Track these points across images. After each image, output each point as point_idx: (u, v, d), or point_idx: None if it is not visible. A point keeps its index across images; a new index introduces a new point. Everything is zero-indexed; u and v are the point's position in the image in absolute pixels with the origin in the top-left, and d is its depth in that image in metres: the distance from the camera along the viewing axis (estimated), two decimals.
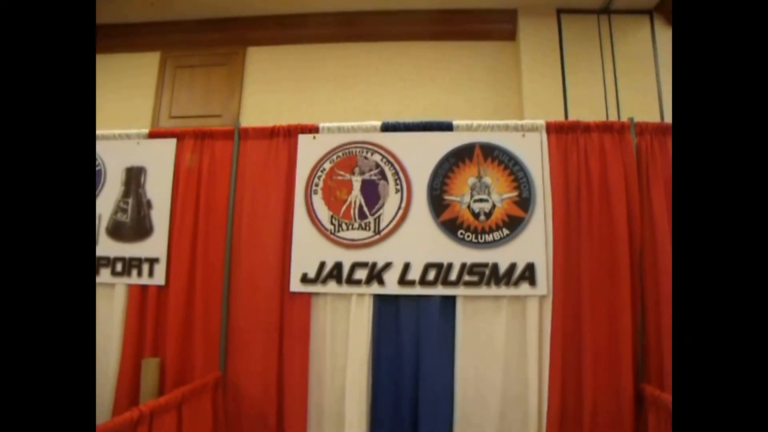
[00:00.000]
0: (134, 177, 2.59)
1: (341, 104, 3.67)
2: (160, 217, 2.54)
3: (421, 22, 3.73)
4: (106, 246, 2.55)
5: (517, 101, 3.59)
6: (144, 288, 2.49)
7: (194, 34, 4.01)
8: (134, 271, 2.50)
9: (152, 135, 2.65)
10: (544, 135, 2.41)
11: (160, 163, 2.58)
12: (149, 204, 2.55)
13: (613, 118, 3.33)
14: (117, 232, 2.56)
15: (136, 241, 2.54)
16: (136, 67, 4.06)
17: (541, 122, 2.42)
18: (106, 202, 2.59)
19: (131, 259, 2.52)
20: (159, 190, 2.56)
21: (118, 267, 2.52)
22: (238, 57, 3.94)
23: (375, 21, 3.78)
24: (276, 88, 3.80)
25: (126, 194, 2.58)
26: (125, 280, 2.50)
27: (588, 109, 3.35)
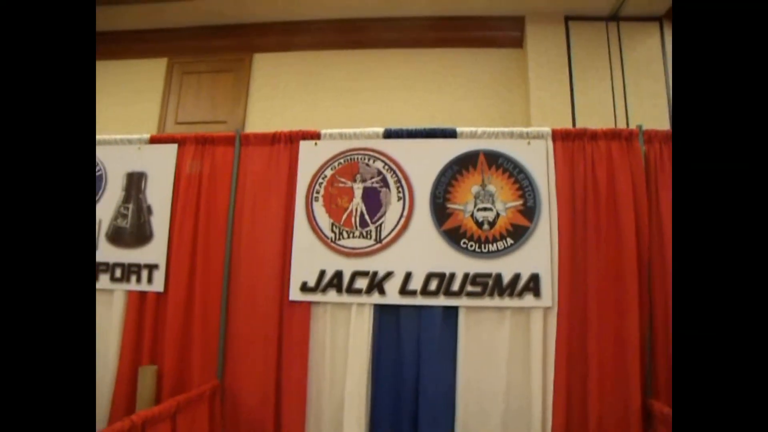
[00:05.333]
0: (135, 182, 2.57)
1: (346, 111, 3.64)
2: (160, 223, 2.51)
3: (426, 29, 3.71)
4: (105, 252, 2.53)
5: (524, 109, 3.54)
6: (143, 294, 2.46)
7: (201, 40, 4.01)
8: (133, 278, 2.48)
9: (153, 140, 2.63)
10: (550, 142, 2.36)
11: (160, 168, 2.56)
12: (149, 210, 2.53)
13: (621, 125, 3.28)
14: (117, 237, 2.54)
15: (135, 247, 2.51)
16: (143, 73, 4.07)
17: (547, 129, 2.37)
18: (107, 207, 2.57)
19: (130, 265, 2.49)
20: (159, 196, 2.54)
21: (117, 273, 2.50)
22: (245, 63, 3.94)
23: (380, 28, 3.76)
24: (282, 95, 3.79)
25: (126, 200, 2.56)
26: (124, 286, 2.48)
27: (596, 117, 3.30)
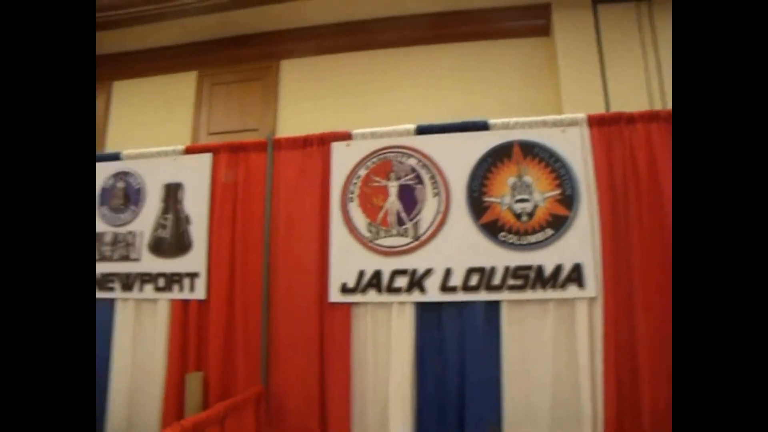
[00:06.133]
0: (172, 193, 2.62)
1: (375, 111, 3.63)
2: (198, 231, 2.55)
3: (452, 24, 3.68)
4: (148, 262, 2.59)
5: (554, 98, 3.48)
6: (186, 302, 2.50)
7: (228, 51, 4.08)
8: (176, 286, 2.52)
9: (188, 151, 2.67)
10: (586, 129, 2.29)
11: (196, 178, 2.60)
12: (187, 219, 2.57)
13: (658, 108, 3.18)
14: (158, 248, 2.59)
15: (176, 257, 2.55)
16: (174, 88, 4.17)
17: (582, 116, 2.31)
18: (147, 219, 2.63)
19: (172, 275, 2.54)
20: (196, 205, 2.57)
21: (161, 282, 2.54)
22: (272, 71, 3.98)
23: (404, 26, 3.75)
24: (311, 98, 3.82)
25: (165, 210, 2.61)
26: (167, 295, 2.52)
27: (631, 101, 3.21)
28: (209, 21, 3.84)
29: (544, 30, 3.63)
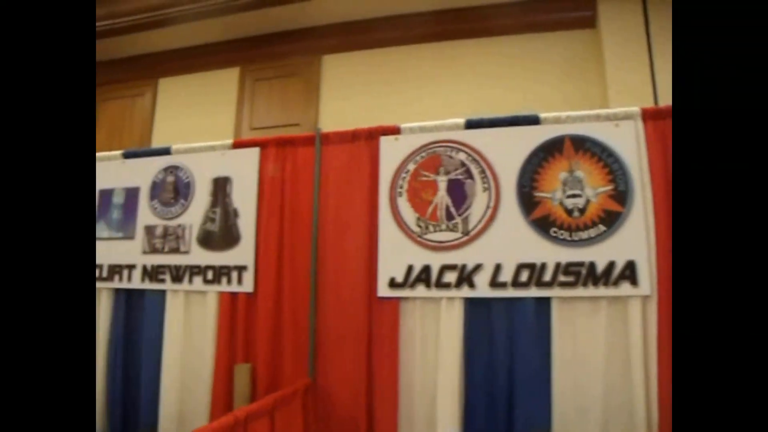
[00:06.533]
0: (221, 187, 2.65)
1: (418, 105, 3.64)
2: (246, 225, 2.58)
3: (495, 17, 3.64)
4: (197, 255, 2.63)
5: (600, 91, 3.41)
6: (234, 295, 2.54)
7: (270, 47, 4.13)
8: (224, 279, 2.56)
9: (236, 145, 2.71)
10: (640, 123, 2.23)
11: (244, 172, 2.63)
12: (236, 213, 2.60)
13: None
14: (207, 241, 2.63)
15: (225, 250, 2.59)
16: (218, 84, 4.24)
17: (636, 109, 2.25)
18: (196, 212, 2.67)
19: (221, 267, 2.57)
20: (245, 199, 2.60)
21: (209, 275, 2.58)
22: (314, 66, 4.01)
23: (448, 20, 3.73)
24: (353, 93, 3.83)
25: (214, 204, 2.65)
26: (216, 287, 2.56)
27: None
28: (251, 18, 3.89)
29: (589, 22, 3.57)
